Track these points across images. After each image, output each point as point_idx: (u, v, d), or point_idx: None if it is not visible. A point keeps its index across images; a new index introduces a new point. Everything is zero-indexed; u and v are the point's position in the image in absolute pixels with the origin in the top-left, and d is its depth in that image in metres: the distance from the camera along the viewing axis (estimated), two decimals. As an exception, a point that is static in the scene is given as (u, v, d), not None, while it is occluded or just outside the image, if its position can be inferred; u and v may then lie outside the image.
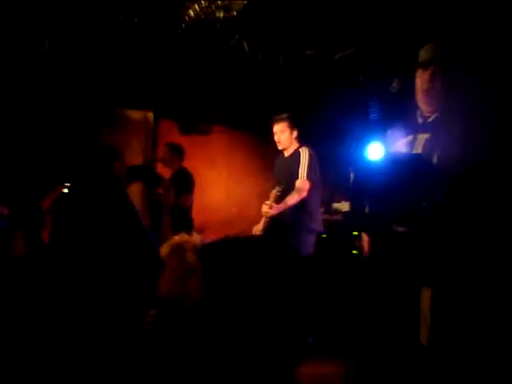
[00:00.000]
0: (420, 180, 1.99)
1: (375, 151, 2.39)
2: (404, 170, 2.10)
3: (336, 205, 5.48)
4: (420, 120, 2.43)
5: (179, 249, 1.79)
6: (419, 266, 1.96)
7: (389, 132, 2.48)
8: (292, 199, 4.20)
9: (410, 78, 2.47)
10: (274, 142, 4.33)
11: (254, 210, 7.19)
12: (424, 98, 2.38)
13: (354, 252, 4.73)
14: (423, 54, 2.43)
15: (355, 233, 4.99)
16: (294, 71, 4.48)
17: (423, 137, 2.33)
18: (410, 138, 2.42)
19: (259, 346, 1.17)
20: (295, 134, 4.38)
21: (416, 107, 2.46)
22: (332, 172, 5.15)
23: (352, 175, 2.30)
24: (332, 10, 3.53)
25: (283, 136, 4.34)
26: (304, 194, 4.19)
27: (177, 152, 5.38)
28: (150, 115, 6.56)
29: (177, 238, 1.87)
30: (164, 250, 1.83)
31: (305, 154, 4.34)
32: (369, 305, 2.39)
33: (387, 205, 2.17)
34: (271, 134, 4.36)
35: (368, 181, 2.26)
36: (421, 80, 2.39)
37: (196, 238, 1.90)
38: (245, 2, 3.63)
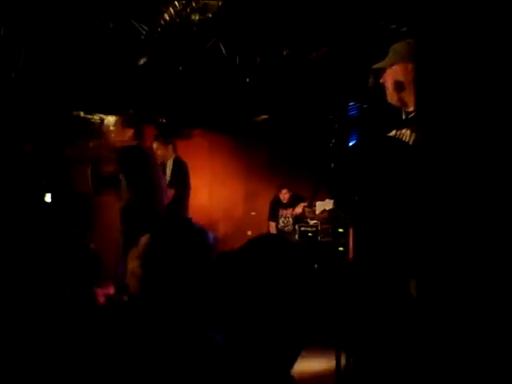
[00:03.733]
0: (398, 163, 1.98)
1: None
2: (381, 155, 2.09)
3: (320, 203, 5.51)
4: (403, 116, 2.42)
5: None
6: (405, 255, 1.96)
7: (374, 126, 2.47)
8: None
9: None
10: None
11: (238, 213, 7.22)
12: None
13: (340, 249, 4.76)
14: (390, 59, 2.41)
15: (341, 230, 5.03)
16: (271, 71, 4.49)
17: (406, 132, 2.32)
18: (394, 132, 2.41)
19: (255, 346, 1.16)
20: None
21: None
22: (313, 169, 5.17)
23: (333, 167, 2.31)
24: (306, 8, 3.54)
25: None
26: None
27: (158, 156, 5.39)
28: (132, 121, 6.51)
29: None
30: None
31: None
32: (357, 298, 2.40)
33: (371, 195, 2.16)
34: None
35: (349, 171, 2.26)
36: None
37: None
38: (219, 4, 3.62)
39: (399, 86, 2.32)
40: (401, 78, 2.33)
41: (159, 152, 5.01)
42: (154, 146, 5.06)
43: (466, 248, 1.52)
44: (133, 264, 1.80)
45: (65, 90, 5.36)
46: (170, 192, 4.73)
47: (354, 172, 2.14)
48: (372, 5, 3.39)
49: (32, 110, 5.11)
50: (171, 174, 5.00)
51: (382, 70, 2.42)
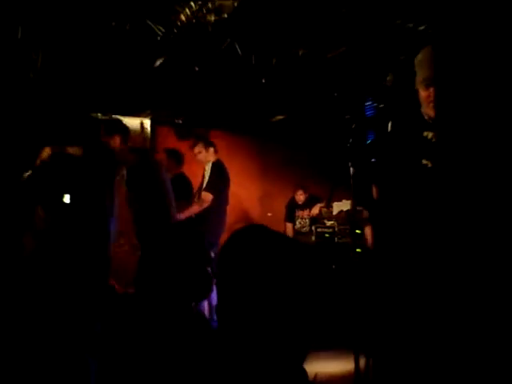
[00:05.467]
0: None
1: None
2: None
3: (337, 204, 5.47)
4: (426, 117, 2.36)
5: None
6: (427, 256, 1.93)
7: (390, 125, 2.42)
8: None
9: (403, 71, 2.43)
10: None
11: (255, 214, 7.21)
12: (429, 109, 2.31)
13: (358, 250, 4.71)
14: (422, 72, 2.32)
15: (358, 231, 4.98)
16: (287, 71, 4.47)
17: (429, 135, 2.27)
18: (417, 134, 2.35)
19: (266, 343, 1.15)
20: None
21: (418, 104, 2.39)
22: (330, 169, 5.14)
23: (352, 169, 2.29)
24: (323, 8, 3.52)
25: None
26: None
27: (174, 158, 5.37)
28: (147, 122, 6.56)
29: None
30: None
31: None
32: (376, 298, 2.37)
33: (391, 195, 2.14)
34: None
35: (369, 172, 2.23)
36: (423, 95, 2.31)
37: None
38: (235, 4, 3.61)
39: None
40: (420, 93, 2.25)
41: (200, 155, 4.96)
42: (196, 149, 4.99)
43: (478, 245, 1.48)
44: None
45: (82, 91, 5.40)
46: (208, 196, 4.68)
47: (377, 167, 2.11)
48: (388, 3, 3.35)
49: (50, 110, 5.16)
50: (209, 177, 4.86)
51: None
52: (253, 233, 1.26)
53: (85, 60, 4.44)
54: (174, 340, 1.53)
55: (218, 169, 4.89)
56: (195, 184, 5.41)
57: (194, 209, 4.72)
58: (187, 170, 5.53)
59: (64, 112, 5.28)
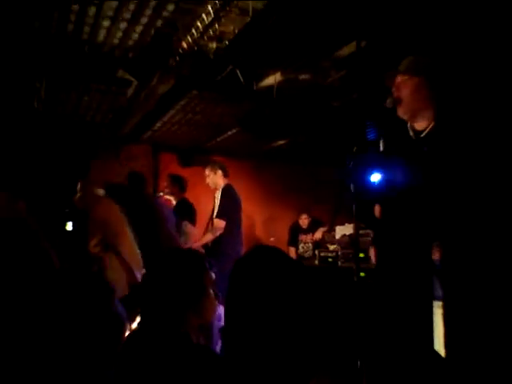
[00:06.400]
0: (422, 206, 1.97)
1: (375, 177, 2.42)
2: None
3: (340, 228, 5.46)
4: (411, 133, 2.41)
5: None
6: (430, 277, 1.92)
7: (381, 144, 2.47)
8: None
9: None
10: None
11: (257, 238, 7.19)
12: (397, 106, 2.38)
13: (362, 274, 4.68)
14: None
15: (361, 255, 4.95)
16: (288, 96, 4.51)
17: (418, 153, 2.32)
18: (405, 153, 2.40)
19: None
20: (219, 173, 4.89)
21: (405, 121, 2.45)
22: (332, 194, 5.15)
23: (352, 187, 2.33)
24: (321, 33, 3.57)
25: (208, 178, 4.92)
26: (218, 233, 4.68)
27: (177, 183, 5.43)
28: (150, 149, 6.63)
29: None
30: None
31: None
32: (379, 322, 2.34)
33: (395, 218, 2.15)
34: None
35: (369, 194, 2.25)
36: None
37: None
38: (236, 31, 3.66)
39: (416, 98, 2.33)
40: (418, 90, 2.33)
41: (209, 179, 4.92)
42: (205, 172, 4.96)
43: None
44: None
45: (84, 120, 5.46)
46: (220, 223, 4.65)
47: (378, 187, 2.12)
48: (385, 26, 3.40)
49: (53, 139, 5.21)
50: (219, 203, 4.82)
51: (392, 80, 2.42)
52: (260, 255, 1.28)
53: (85, 87, 4.50)
54: (174, 360, 1.52)
55: (228, 193, 4.84)
56: (199, 208, 5.44)
57: (208, 237, 4.70)
58: (191, 195, 5.58)
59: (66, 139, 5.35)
